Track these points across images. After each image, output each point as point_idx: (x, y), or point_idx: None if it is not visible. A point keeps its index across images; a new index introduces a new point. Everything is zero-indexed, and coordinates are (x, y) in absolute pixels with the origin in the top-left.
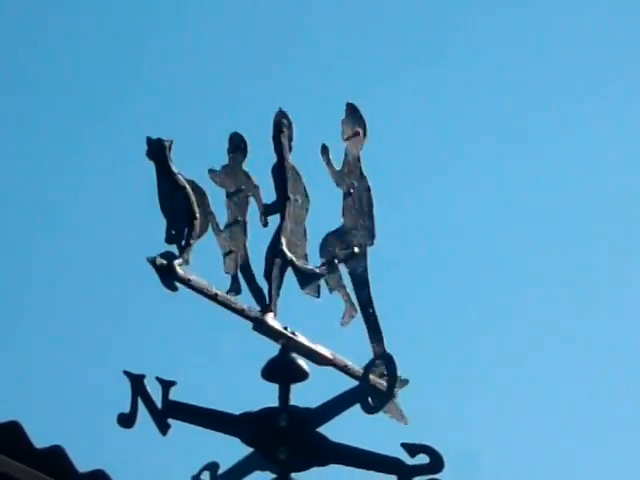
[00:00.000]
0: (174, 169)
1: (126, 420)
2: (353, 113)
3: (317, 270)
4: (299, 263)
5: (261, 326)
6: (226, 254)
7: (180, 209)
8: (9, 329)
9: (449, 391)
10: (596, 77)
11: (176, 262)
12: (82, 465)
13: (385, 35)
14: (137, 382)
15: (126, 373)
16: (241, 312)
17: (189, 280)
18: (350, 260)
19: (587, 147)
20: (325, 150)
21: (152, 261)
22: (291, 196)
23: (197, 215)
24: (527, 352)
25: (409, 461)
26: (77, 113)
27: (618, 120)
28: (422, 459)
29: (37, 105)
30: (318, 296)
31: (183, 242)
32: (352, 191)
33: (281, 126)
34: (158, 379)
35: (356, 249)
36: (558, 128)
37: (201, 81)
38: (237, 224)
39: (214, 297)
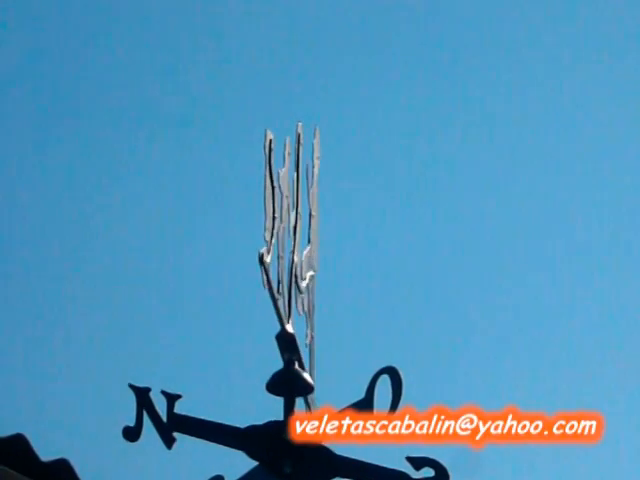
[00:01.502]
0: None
1: (131, 433)
2: (319, 137)
3: (301, 288)
4: (299, 280)
5: (290, 337)
6: (278, 258)
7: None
8: (14, 342)
9: (449, 390)
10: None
11: (267, 260)
12: (87, 478)
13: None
14: (142, 395)
15: (131, 386)
16: (281, 318)
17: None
18: (309, 284)
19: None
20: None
21: (261, 257)
22: (297, 210)
23: (276, 215)
24: (527, 351)
25: (414, 474)
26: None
27: (616, 122)
28: (427, 472)
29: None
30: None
31: (269, 240)
32: (314, 214)
33: (300, 140)
34: (163, 392)
35: (312, 273)
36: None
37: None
38: (284, 231)
39: (275, 299)
